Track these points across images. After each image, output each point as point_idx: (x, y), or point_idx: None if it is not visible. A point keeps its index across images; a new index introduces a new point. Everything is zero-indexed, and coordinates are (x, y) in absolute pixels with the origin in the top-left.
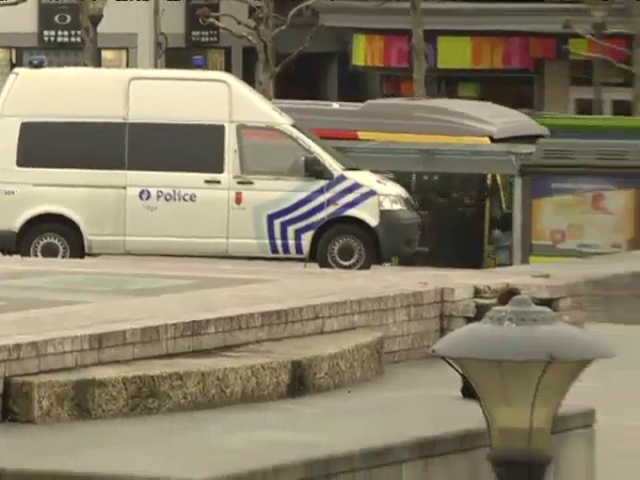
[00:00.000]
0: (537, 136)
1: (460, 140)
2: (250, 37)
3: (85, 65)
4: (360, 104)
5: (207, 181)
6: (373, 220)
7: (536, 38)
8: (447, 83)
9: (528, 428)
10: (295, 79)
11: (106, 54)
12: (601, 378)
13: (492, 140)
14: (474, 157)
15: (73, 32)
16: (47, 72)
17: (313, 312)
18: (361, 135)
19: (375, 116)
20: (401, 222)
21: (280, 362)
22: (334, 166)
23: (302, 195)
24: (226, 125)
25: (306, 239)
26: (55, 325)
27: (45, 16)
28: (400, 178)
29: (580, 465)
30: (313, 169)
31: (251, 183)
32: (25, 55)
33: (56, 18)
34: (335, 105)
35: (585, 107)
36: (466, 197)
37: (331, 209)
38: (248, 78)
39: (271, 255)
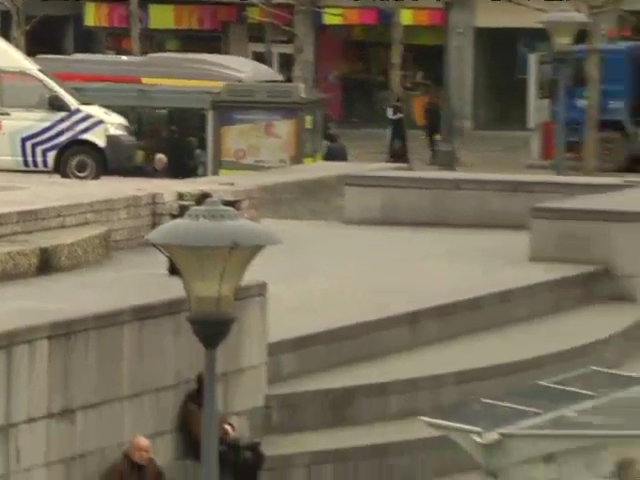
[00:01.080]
0: (277, 81)
1: (220, 84)
2: (5, 3)
3: None
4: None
5: None
6: (102, 142)
7: (222, 6)
8: (157, 40)
9: (217, 296)
10: (41, 36)
11: None
12: (271, 259)
13: None
14: (178, 95)
15: None
16: None
17: (57, 212)
18: (145, 81)
19: (155, 66)
20: (123, 144)
21: (31, 249)
22: (71, 101)
23: (47, 123)
24: None
25: (51, 157)
26: None
27: None
28: (122, 111)
29: (256, 323)
30: (55, 104)
31: (8, 114)
32: None
33: None
34: (124, 58)
35: (260, 58)
36: (174, 125)
37: (70, 134)
38: (5, 35)
39: (24, 169)
